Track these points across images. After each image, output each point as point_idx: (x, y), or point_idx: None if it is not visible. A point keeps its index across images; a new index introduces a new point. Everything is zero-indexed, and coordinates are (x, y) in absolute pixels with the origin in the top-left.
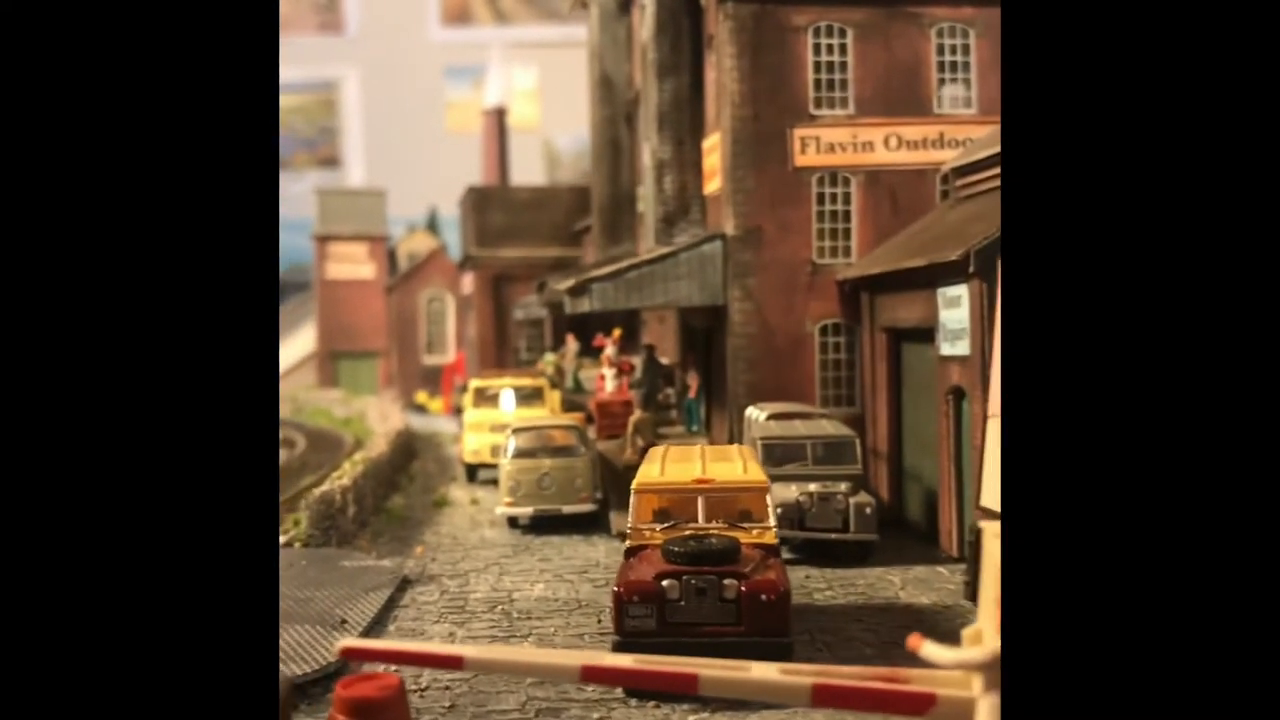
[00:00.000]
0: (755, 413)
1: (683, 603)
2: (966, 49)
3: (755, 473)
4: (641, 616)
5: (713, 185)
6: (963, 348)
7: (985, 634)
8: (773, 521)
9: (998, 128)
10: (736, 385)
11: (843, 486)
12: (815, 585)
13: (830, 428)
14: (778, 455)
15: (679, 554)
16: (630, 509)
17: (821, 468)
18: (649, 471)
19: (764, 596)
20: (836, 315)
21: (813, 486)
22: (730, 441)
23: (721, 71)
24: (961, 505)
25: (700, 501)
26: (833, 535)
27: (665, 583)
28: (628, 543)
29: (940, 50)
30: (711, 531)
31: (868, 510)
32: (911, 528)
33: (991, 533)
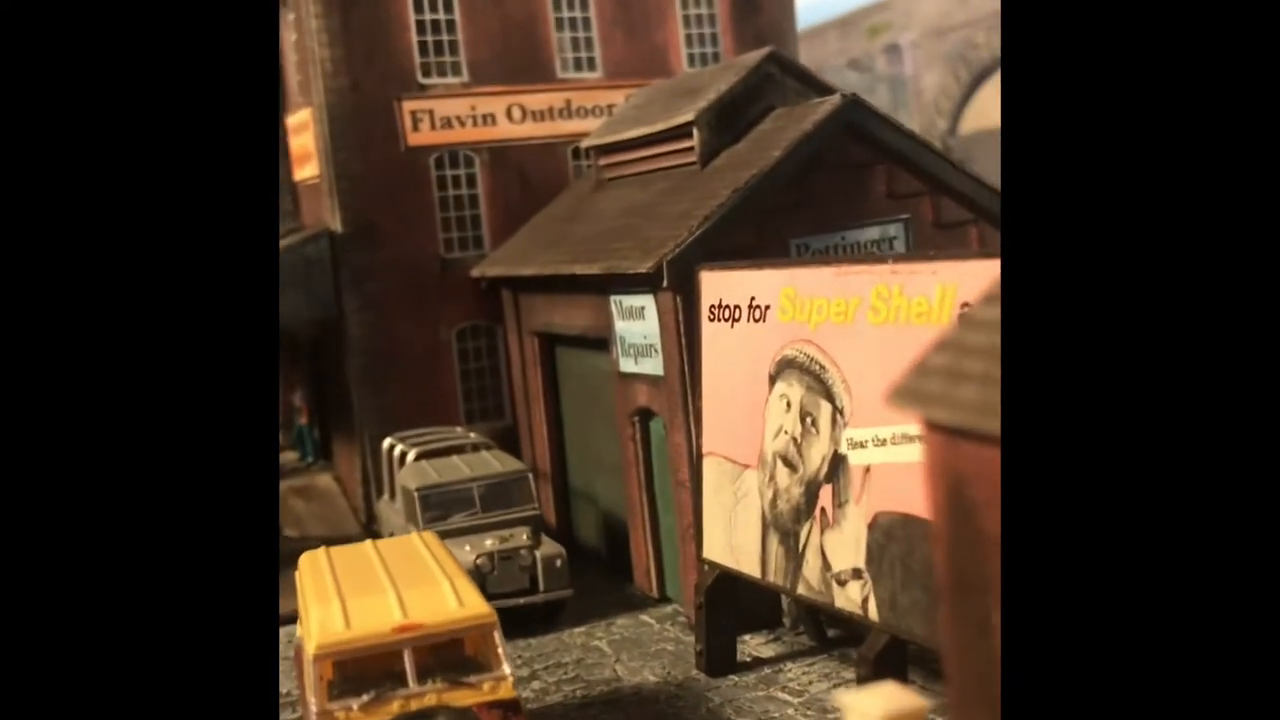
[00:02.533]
0: (399, 448)
1: None
2: (585, 3)
3: (472, 599)
4: None
5: (306, 171)
6: (652, 367)
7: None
8: (507, 668)
9: (634, 94)
10: (364, 412)
11: (524, 537)
12: (515, 673)
13: (496, 462)
14: (438, 505)
15: None
16: (309, 681)
17: (493, 514)
18: (328, 620)
19: None
20: (476, 317)
21: (489, 542)
22: (365, 479)
23: (305, 34)
24: (658, 539)
25: (409, 658)
26: (521, 600)
27: None
28: None
29: (557, 5)
30: (431, 701)
31: (558, 563)
32: (587, 554)
33: None
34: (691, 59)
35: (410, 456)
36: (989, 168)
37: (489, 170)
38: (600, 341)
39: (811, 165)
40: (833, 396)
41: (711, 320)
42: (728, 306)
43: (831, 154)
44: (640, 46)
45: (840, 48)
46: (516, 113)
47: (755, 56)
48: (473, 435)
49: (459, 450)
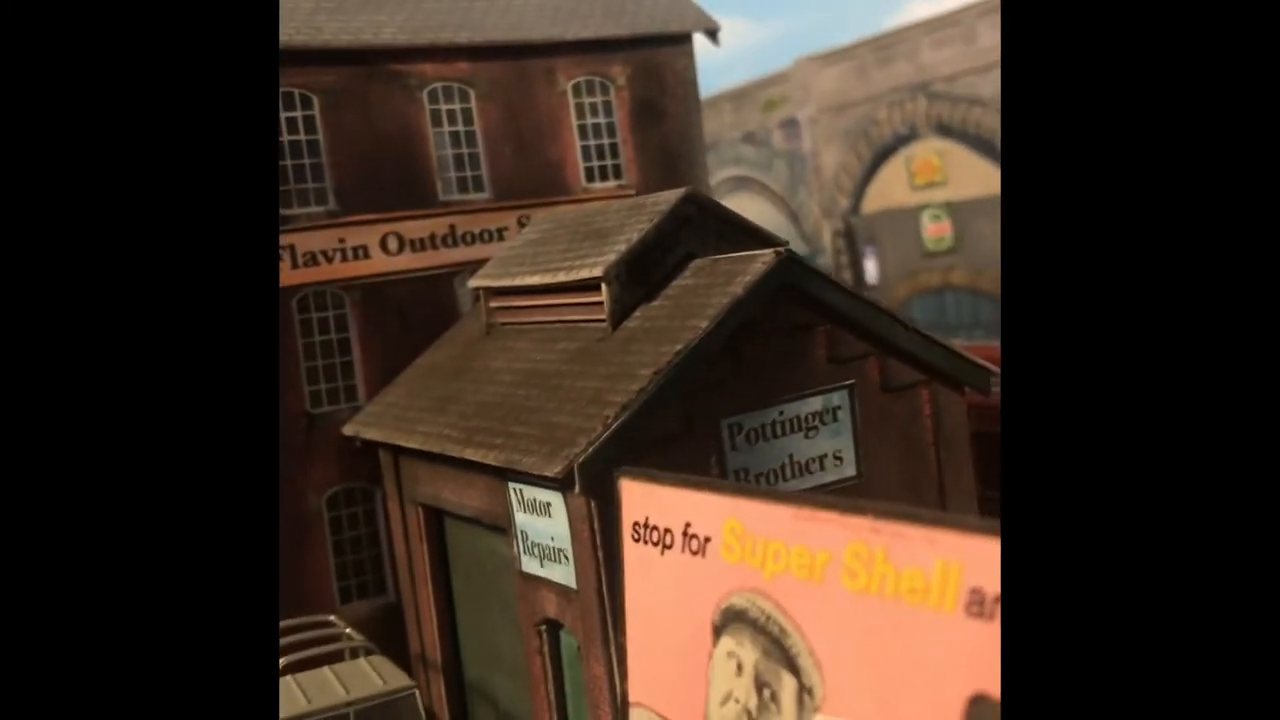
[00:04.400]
0: None
1: None
2: (469, 115)
3: None
4: None
5: None
6: (561, 575)
7: None
8: None
9: (530, 223)
10: None
11: None
12: None
13: (375, 673)
14: None
15: None
16: None
17: None
18: None
19: None
20: (351, 478)
21: None
22: None
23: None
24: None
25: None
26: None
27: None
28: None
29: (437, 119)
30: None
31: None
32: None
33: None
34: (590, 173)
35: None
36: (894, 248)
37: (361, 310)
38: (497, 526)
39: (743, 333)
40: (798, 670)
41: (636, 540)
42: (656, 529)
43: (765, 319)
44: (532, 163)
45: (735, 120)
46: (393, 242)
47: (670, 197)
48: (348, 631)
49: (332, 656)
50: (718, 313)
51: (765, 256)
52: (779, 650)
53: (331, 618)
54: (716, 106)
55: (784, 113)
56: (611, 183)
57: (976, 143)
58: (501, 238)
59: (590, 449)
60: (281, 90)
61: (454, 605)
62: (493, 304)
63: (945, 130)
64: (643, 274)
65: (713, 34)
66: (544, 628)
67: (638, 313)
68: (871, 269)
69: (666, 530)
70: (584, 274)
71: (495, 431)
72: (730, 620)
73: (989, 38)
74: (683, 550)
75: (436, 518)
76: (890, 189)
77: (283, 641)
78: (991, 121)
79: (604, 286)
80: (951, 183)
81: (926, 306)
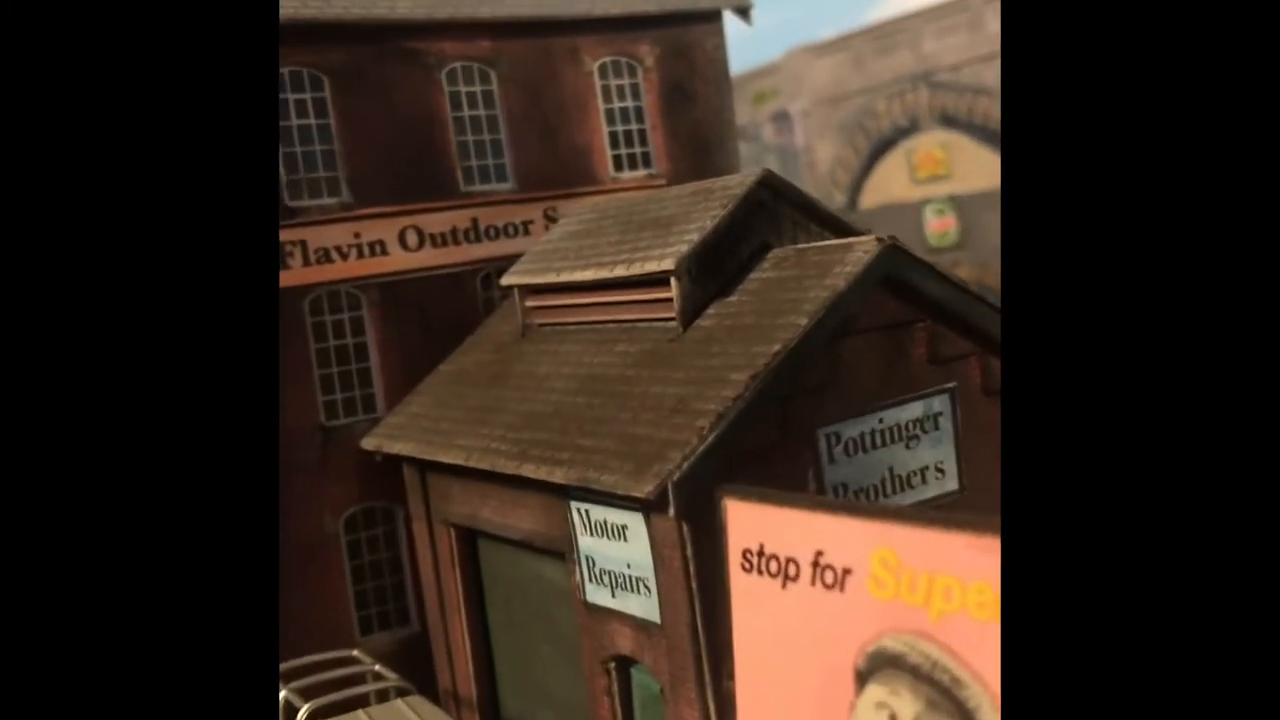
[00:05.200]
0: (282, 694)
1: None
2: (490, 98)
3: None
4: None
5: None
6: (640, 607)
7: None
8: None
9: (567, 216)
10: None
11: None
12: None
13: (415, 716)
14: None
15: None
16: None
17: None
18: None
19: None
20: (371, 498)
21: None
22: None
23: None
24: None
25: None
26: None
27: None
28: None
29: (457, 102)
30: None
31: None
32: None
33: None
34: (619, 161)
35: (301, 716)
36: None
37: (379, 311)
38: (550, 550)
39: (841, 331)
40: None
41: (748, 570)
42: (775, 558)
43: (864, 315)
44: (558, 150)
45: None
46: (412, 237)
47: (744, 180)
48: (377, 667)
49: (362, 702)
50: (817, 308)
51: (866, 244)
52: (949, 703)
53: (355, 652)
54: None
55: (775, 106)
56: (641, 172)
57: (983, 134)
58: (527, 232)
59: (686, 465)
60: (289, 69)
61: (490, 637)
62: (530, 303)
63: (950, 121)
64: (716, 267)
65: (744, 12)
66: (614, 666)
67: (712, 310)
68: None
69: (790, 560)
70: (651, 267)
71: (557, 445)
72: (879, 665)
73: (997, 25)
74: (813, 583)
75: (470, 540)
76: (890, 183)
77: (306, 682)
78: (998, 111)
79: (674, 281)
80: (956, 175)
81: None
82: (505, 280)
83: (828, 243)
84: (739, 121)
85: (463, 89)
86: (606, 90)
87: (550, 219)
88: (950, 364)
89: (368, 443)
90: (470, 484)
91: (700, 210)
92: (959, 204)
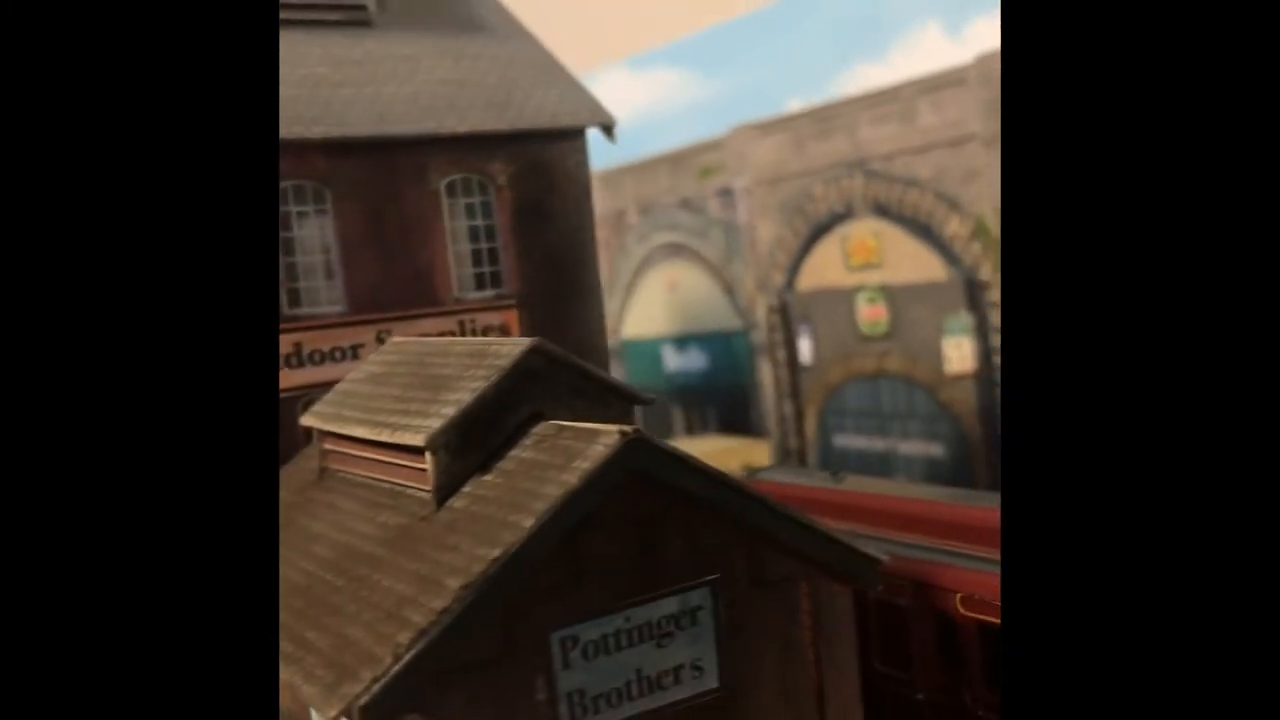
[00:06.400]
0: None
1: None
2: (324, 218)
3: None
4: None
5: None
6: None
7: None
8: None
9: (381, 348)
10: None
11: None
12: None
13: None
14: None
15: None
16: None
17: None
18: None
19: None
20: None
21: None
22: None
23: None
24: None
25: None
26: None
27: None
28: None
29: (286, 223)
30: None
31: None
32: None
33: None
34: (465, 282)
35: None
36: (828, 328)
37: None
38: None
39: (581, 528)
40: None
41: None
42: None
43: (609, 508)
44: (397, 270)
45: (671, 185)
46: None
47: (513, 349)
48: None
49: None
50: (548, 508)
51: (608, 437)
52: None
53: None
54: (653, 169)
55: (720, 180)
56: (490, 291)
57: (914, 226)
58: (355, 355)
59: (376, 687)
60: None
61: None
62: (326, 445)
63: (882, 211)
64: (478, 438)
65: (608, 129)
66: None
67: (468, 487)
68: (806, 349)
69: None
70: (407, 439)
71: (291, 632)
72: None
73: (929, 117)
74: None
75: None
76: (826, 267)
77: None
78: (928, 205)
79: (429, 455)
80: (887, 265)
81: (861, 393)
82: (303, 420)
83: (580, 426)
84: (685, 193)
85: (293, 208)
86: (454, 208)
87: (382, 340)
88: (712, 555)
89: None
90: None
91: (470, 375)
92: (889, 294)
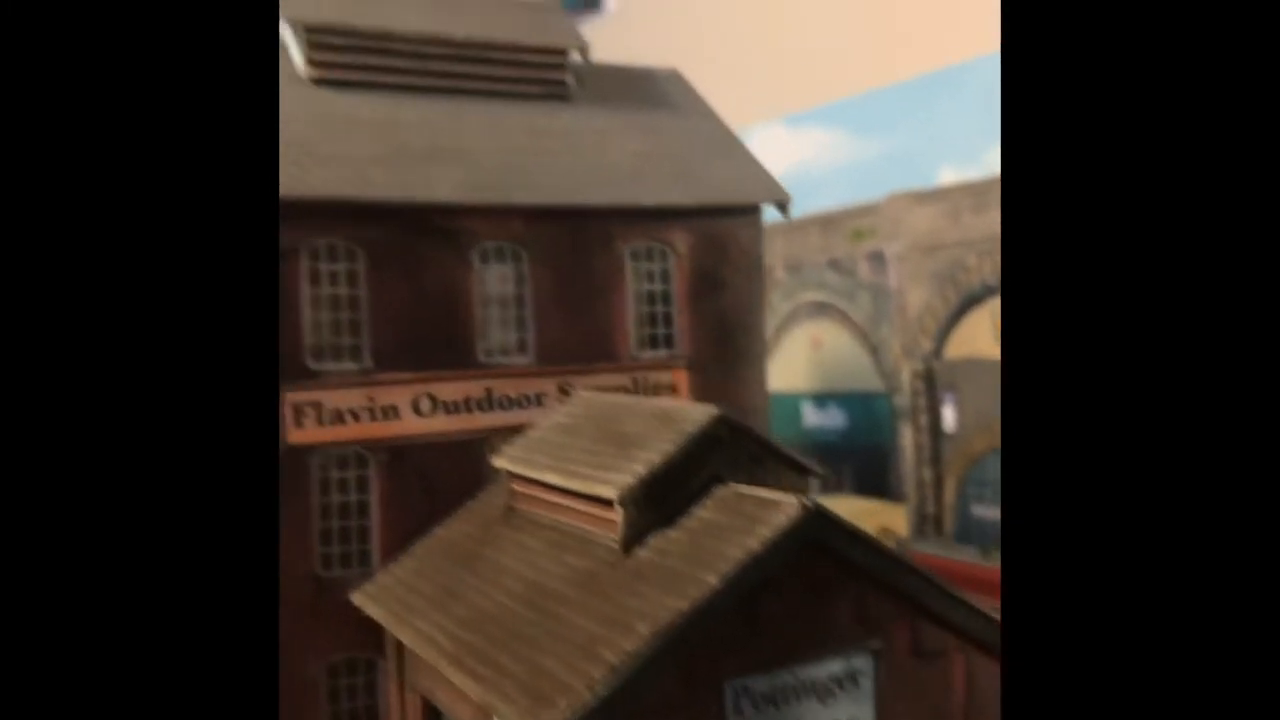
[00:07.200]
0: None
1: None
2: (521, 276)
3: None
4: None
5: None
6: None
7: None
8: None
9: (569, 401)
10: None
11: None
12: None
13: None
14: None
15: None
16: None
17: None
18: None
19: None
20: (355, 648)
21: None
22: None
23: None
24: None
25: None
26: None
27: None
28: None
29: (484, 279)
30: None
31: None
32: None
33: None
34: (642, 341)
35: None
36: (974, 397)
37: (385, 472)
38: None
39: (759, 588)
40: None
41: None
42: None
43: (786, 573)
44: (580, 328)
45: (821, 245)
46: (425, 403)
47: (701, 416)
48: None
49: None
50: (731, 569)
51: (789, 507)
52: None
53: None
54: (804, 229)
55: (871, 244)
56: (663, 352)
57: None
58: (539, 403)
59: (571, 715)
60: (325, 241)
61: None
62: (514, 486)
63: None
64: (662, 498)
65: (783, 206)
66: None
67: (652, 539)
68: (949, 417)
69: None
70: (599, 490)
71: (484, 656)
72: None
73: None
74: None
75: (435, 712)
76: (974, 337)
77: None
78: None
79: (619, 508)
80: None
81: None
82: (495, 461)
83: (760, 493)
84: (835, 254)
85: (493, 266)
86: (636, 272)
87: (565, 391)
88: (875, 625)
89: (355, 598)
90: (430, 664)
91: (657, 436)
92: None
